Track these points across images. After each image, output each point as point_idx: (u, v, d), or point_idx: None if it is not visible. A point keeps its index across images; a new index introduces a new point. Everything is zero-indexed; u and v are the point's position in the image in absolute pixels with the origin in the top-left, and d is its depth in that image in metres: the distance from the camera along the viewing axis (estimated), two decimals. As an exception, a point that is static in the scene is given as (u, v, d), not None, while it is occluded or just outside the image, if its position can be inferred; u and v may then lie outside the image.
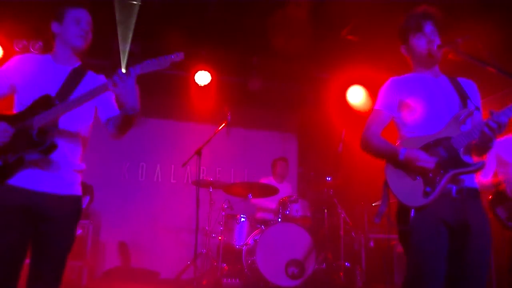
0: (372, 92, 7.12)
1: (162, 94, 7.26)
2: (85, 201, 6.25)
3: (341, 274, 5.60)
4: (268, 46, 5.91)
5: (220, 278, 5.22)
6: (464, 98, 2.46)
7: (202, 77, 6.68)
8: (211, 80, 6.70)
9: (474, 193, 2.38)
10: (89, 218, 5.95)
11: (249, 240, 5.40)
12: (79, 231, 5.70)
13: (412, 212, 2.30)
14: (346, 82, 7.28)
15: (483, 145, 2.36)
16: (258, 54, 6.70)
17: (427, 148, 2.35)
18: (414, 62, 2.62)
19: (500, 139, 3.89)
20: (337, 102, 7.46)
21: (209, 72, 6.70)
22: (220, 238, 5.49)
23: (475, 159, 2.42)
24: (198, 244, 5.17)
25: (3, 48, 5.79)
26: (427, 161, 2.29)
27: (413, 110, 2.47)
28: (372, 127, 2.55)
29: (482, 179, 3.89)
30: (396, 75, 2.67)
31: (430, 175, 2.30)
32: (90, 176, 6.54)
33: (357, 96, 7.38)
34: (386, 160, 2.46)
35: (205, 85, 6.71)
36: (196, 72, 6.69)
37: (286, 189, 6.48)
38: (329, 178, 6.12)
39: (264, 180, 6.28)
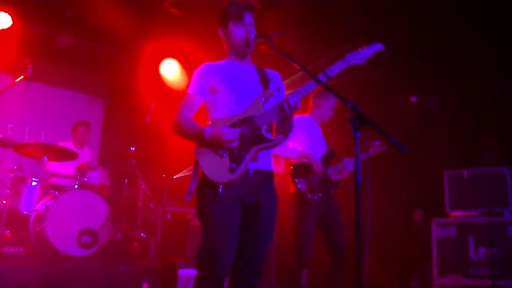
0: (187, 69, 7.22)
1: None
2: None
3: (136, 244, 5.61)
4: (85, 1, 5.50)
5: (0, 246, 4.72)
6: (266, 82, 2.70)
7: (1, 20, 5.84)
8: (13, 25, 5.91)
9: (268, 174, 2.67)
10: None
11: (39, 206, 5.01)
12: None
13: (220, 188, 2.47)
14: (161, 54, 7.23)
15: (284, 124, 2.62)
16: (73, 8, 6.15)
17: (233, 127, 2.53)
18: (229, 48, 2.77)
19: (300, 116, 4.26)
20: (150, 72, 7.37)
21: (9, 14, 5.89)
22: (4, 202, 4.94)
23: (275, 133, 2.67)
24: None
25: None
26: (231, 133, 2.46)
27: (222, 94, 2.64)
28: (183, 111, 2.65)
29: (281, 152, 4.07)
30: (213, 55, 2.79)
31: (236, 151, 2.50)
32: None
33: (170, 70, 7.40)
34: (195, 141, 2.58)
35: (3, 29, 5.89)
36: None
37: (86, 155, 6.17)
38: (133, 148, 6.02)
39: (62, 144, 5.84)
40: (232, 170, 2.47)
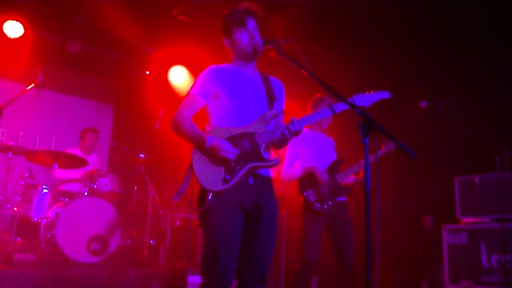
0: (196, 75, 7.23)
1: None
2: None
3: (145, 251, 5.61)
4: (94, 9, 5.55)
5: (11, 252, 4.74)
6: (271, 99, 2.71)
7: (13, 28, 5.91)
8: (24, 34, 5.97)
9: (267, 181, 2.67)
10: None
11: (50, 213, 5.04)
12: None
13: (210, 196, 2.47)
14: (170, 61, 7.27)
15: (281, 143, 2.66)
16: (82, 15, 6.21)
17: (233, 139, 2.54)
18: (235, 55, 2.76)
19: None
20: (159, 79, 7.40)
21: (21, 23, 5.96)
22: (15, 209, 4.97)
23: (273, 154, 2.72)
24: (-12, 215, 4.61)
25: None
26: (230, 153, 2.47)
27: (225, 103, 2.63)
28: (184, 111, 2.63)
29: (287, 170, 4.24)
30: (221, 62, 2.79)
31: (232, 164, 2.50)
32: None
33: (179, 77, 7.42)
34: (193, 144, 2.57)
35: (15, 38, 5.95)
36: (5, 21, 5.89)
37: (94, 161, 6.19)
38: (142, 155, 6.04)
39: (69, 151, 5.86)
40: (225, 181, 2.47)
